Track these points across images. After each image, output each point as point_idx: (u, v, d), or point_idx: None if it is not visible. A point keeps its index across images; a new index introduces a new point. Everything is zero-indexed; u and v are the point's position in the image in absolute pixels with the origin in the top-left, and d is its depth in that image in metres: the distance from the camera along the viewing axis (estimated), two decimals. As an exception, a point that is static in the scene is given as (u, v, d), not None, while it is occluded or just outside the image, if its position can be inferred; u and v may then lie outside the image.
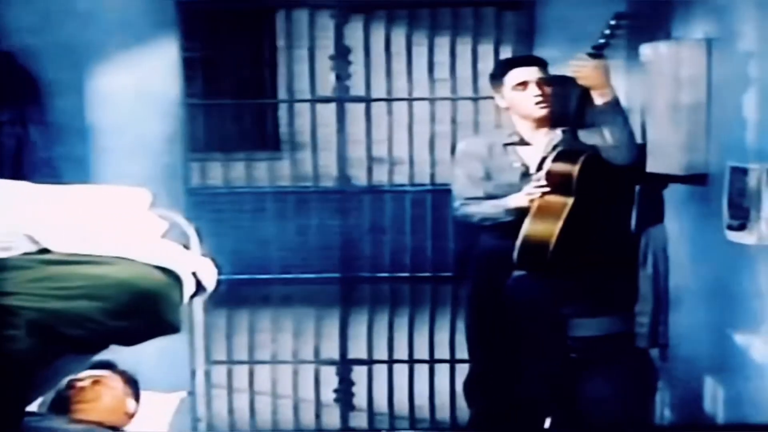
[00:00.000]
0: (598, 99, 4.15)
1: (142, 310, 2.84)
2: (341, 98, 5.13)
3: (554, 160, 4.16)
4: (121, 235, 3.15)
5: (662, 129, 4.15)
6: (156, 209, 3.52)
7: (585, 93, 4.21)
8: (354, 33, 5.11)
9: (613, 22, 4.04)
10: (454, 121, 5.13)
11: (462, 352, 4.95)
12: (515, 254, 4.11)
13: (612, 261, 4.33)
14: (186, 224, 3.73)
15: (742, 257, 3.67)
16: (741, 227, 3.65)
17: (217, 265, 3.45)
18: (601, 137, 4.17)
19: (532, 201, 4.17)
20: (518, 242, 4.10)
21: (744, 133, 3.73)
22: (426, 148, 5.14)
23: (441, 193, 5.02)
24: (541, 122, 4.31)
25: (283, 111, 5.20)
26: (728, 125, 3.84)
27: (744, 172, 3.62)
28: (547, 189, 4.15)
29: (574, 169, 4.07)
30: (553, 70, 4.47)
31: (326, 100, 5.13)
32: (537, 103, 4.28)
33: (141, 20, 4.87)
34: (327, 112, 5.12)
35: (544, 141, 4.35)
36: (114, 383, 3.68)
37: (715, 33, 3.97)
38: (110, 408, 3.67)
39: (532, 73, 4.34)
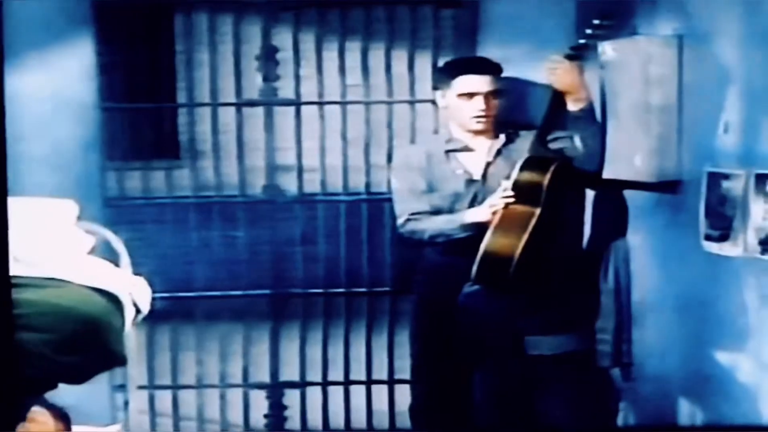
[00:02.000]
0: (573, 104, 3.87)
1: (89, 341, 2.47)
2: (269, 101, 4.73)
3: (522, 169, 3.88)
4: (51, 254, 2.75)
5: (626, 133, 3.86)
6: (80, 223, 3.12)
7: (557, 97, 3.93)
8: (282, 34, 4.76)
9: (597, 21, 3.74)
10: (389, 125, 4.73)
11: (402, 373, 4.69)
12: (474, 269, 3.77)
13: (572, 275, 4.01)
14: (114, 239, 3.37)
15: (724, 270, 3.40)
16: (722, 238, 3.37)
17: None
18: (572, 144, 3.89)
19: (494, 213, 3.84)
20: (478, 256, 3.80)
21: (721, 136, 3.44)
22: (361, 154, 4.75)
23: (377, 202, 4.75)
24: (480, 132, 3.98)
25: (202, 116, 4.72)
26: (702, 128, 3.58)
27: (725, 177, 3.34)
28: (513, 199, 3.82)
29: (545, 178, 3.82)
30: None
31: (252, 103, 4.70)
32: (475, 117, 3.94)
33: (57, 18, 4.41)
34: (253, 117, 4.72)
35: (486, 145, 4.10)
36: (44, 419, 3.30)
37: (686, 29, 3.67)
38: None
39: (482, 84, 4.05)
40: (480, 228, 3.97)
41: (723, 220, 3.43)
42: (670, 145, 3.74)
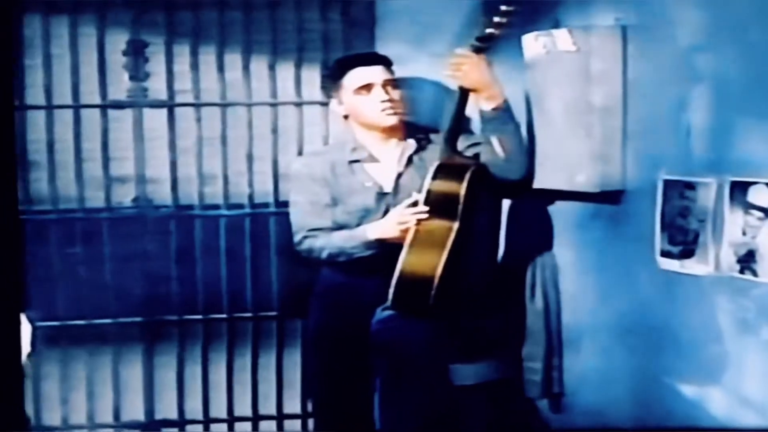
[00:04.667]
0: (485, 103, 3.45)
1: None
2: (137, 103, 4.21)
3: (434, 178, 3.39)
4: None
5: (558, 137, 3.42)
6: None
7: (465, 96, 3.51)
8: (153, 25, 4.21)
9: (504, 8, 3.27)
10: (274, 131, 4.21)
11: (291, 406, 4.30)
12: (390, 294, 3.28)
13: (491, 294, 3.56)
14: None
15: (687, 290, 2.99)
16: (685, 254, 2.94)
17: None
18: (490, 149, 3.47)
19: (404, 231, 3.42)
20: (394, 280, 3.34)
21: (678, 139, 3.02)
22: (243, 161, 4.26)
23: (262, 216, 4.28)
24: (389, 132, 3.52)
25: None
26: (653, 131, 3.14)
27: (689, 186, 2.91)
28: (426, 214, 3.39)
29: (461, 187, 3.36)
30: (400, 72, 3.82)
31: (119, 105, 4.12)
32: (384, 110, 3.46)
33: None
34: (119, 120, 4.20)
35: (395, 154, 3.69)
36: None
37: (631, 18, 3.25)
38: None
39: (376, 73, 3.64)
40: (386, 246, 3.51)
41: (685, 234, 3.02)
42: (613, 151, 3.29)
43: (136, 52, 4.15)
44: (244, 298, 4.30)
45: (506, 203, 3.88)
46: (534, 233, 3.73)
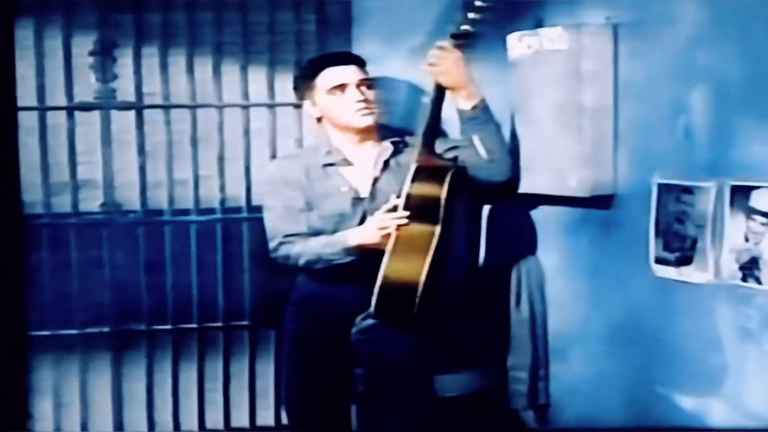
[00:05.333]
0: (464, 102, 3.36)
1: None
2: (105, 105, 4.08)
3: (414, 180, 3.28)
4: None
5: (544, 139, 3.30)
6: None
7: (441, 93, 3.39)
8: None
9: (479, 3, 3.16)
10: (246, 133, 4.07)
11: (264, 418, 4.18)
12: (373, 303, 3.18)
13: (473, 301, 3.43)
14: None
15: (683, 298, 2.88)
16: (682, 261, 2.83)
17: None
18: (472, 151, 3.38)
19: (385, 236, 3.29)
20: (377, 288, 3.24)
21: (674, 141, 2.91)
22: (215, 164, 4.13)
23: (234, 222, 4.16)
24: (364, 134, 3.39)
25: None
26: (646, 133, 3.03)
27: (686, 191, 2.80)
28: (406, 219, 3.28)
29: (442, 190, 3.23)
30: (377, 71, 3.72)
31: (85, 107, 3.96)
32: (359, 110, 3.34)
33: None
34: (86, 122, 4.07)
35: (371, 157, 3.55)
36: None
37: (623, 16, 3.14)
38: None
39: (350, 73, 3.52)
40: (365, 252, 3.36)
41: (682, 241, 2.91)
42: (604, 154, 3.17)
43: (104, 53, 3.98)
44: (216, 306, 4.17)
45: (486, 207, 3.74)
46: (516, 237, 3.60)
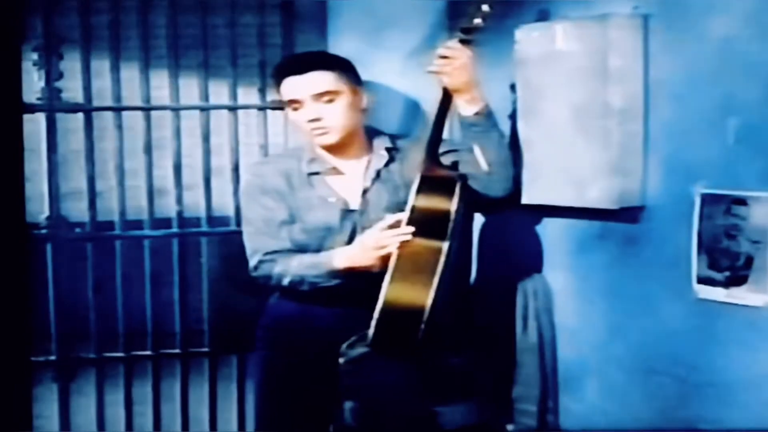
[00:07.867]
0: (466, 108, 3.04)
1: None
2: (50, 106, 3.67)
3: (419, 192, 2.94)
4: None
5: (560, 145, 2.96)
6: None
7: (448, 98, 3.04)
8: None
9: (487, -5, 2.82)
10: (206, 138, 3.69)
11: None
12: (372, 332, 2.87)
13: (463, 326, 3.23)
14: None
15: (734, 323, 2.52)
16: (734, 281, 2.49)
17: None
18: (472, 160, 3.08)
19: (382, 258, 2.94)
20: (376, 314, 2.85)
21: (719, 146, 2.58)
22: (170, 172, 3.76)
23: (192, 237, 3.77)
24: (344, 145, 3.03)
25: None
26: (683, 137, 2.70)
27: (739, 202, 2.47)
28: (410, 235, 2.91)
29: (451, 203, 2.88)
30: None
31: (28, 109, 3.61)
32: (312, 130, 3.09)
33: None
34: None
35: (361, 165, 3.19)
36: None
37: (652, 6, 2.81)
38: None
39: (305, 85, 3.12)
40: (355, 275, 3.01)
41: (733, 258, 2.56)
42: (632, 161, 2.83)
43: (49, 49, 3.54)
44: (172, 331, 3.78)
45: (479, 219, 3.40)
46: (516, 254, 3.25)
